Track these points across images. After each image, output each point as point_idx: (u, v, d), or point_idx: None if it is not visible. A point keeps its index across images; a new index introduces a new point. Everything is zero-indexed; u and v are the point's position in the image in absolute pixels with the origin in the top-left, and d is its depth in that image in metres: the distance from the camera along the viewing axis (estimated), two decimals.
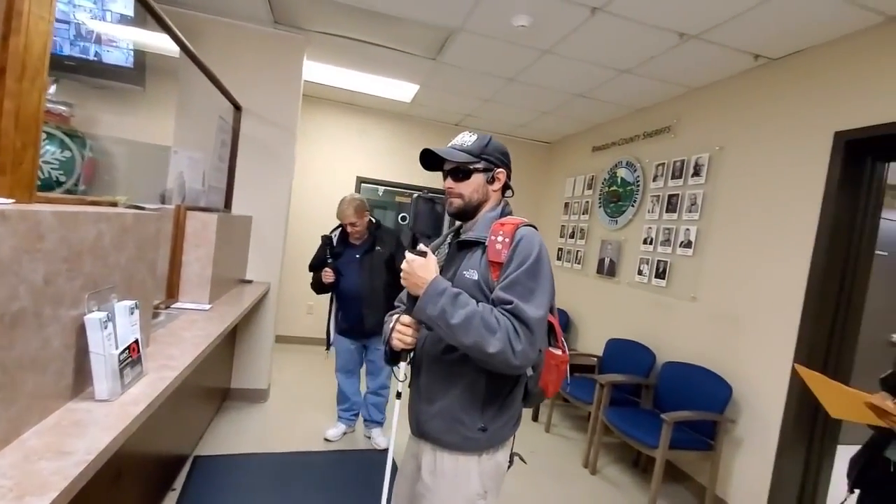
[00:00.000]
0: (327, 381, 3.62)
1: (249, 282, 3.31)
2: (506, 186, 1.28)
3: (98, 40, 2.65)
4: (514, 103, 4.25)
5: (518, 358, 1.04)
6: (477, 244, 1.20)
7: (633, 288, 3.73)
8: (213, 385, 2.99)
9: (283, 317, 4.79)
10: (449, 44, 3.13)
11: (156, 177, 2.80)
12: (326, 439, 2.98)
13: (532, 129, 5.06)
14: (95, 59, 2.63)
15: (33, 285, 0.93)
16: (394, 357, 1.24)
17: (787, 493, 2.43)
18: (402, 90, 4.31)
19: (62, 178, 2.19)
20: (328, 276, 2.71)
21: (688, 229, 3.21)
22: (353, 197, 2.73)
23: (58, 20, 2.29)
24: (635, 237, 3.76)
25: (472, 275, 1.17)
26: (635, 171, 3.86)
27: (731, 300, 2.83)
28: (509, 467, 1.27)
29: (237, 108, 3.15)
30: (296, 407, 3.45)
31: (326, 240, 2.85)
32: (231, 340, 3.36)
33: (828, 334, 2.38)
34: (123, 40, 2.67)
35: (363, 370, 3.03)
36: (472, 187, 1.23)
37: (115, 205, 1.58)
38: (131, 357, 1.28)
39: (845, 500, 1.63)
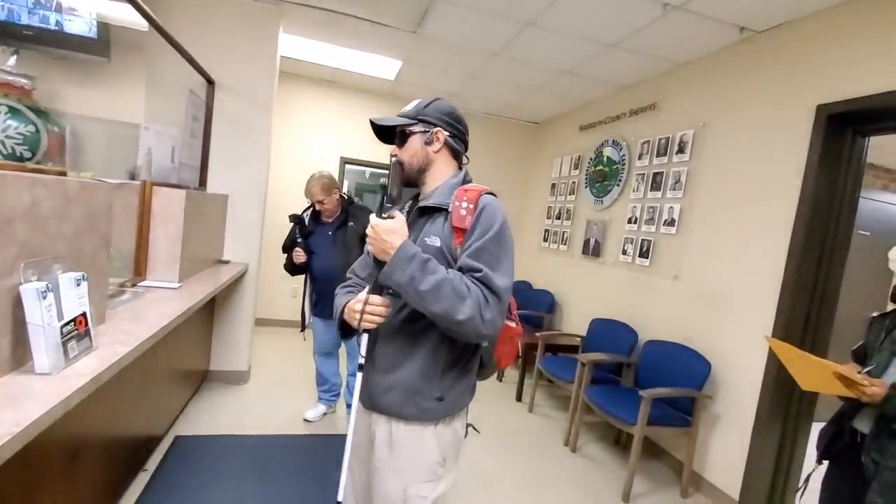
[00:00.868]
0: (309, 364, 3.59)
1: (227, 262, 3.24)
2: (456, 151, 1.23)
3: (59, 9, 2.53)
4: (501, 80, 4.16)
5: (487, 326, 1.02)
6: (439, 210, 1.16)
7: (617, 268, 3.71)
8: (190, 367, 2.94)
9: (266, 299, 4.73)
10: (429, 15, 3.03)
11: (124, 153, 2.71)
12: (306, 420, 2.96)
13: (520, 108, 4.97)
14: (56, 28, 2.52)
15: None
16: (348, 331, 1.19)
17: (763, 468, 2.45)
18: (385, 67, 4.20)
19: (26, 154, 2.11)
20: (299, 255, 2.65)
21: (671, 207, 3.18)
22: (321, 174, 2.66)
23: None
24: (620, 217, 3.73)
25: (435, 241, 1.12)
26: (621, 149, 3.80)
27: (712, 278, 2.82)
28: (466, 435, 1.25)
29: (210, 82, 3.05)
30: (276, 389, 3.42)
31: (296, 219, 2.78)
32: (209, 322, 3.31)
33: (805, 311, 2.37)
34: (86, 9, 2.56)
35: (342, 351, 2.99)
36: (410, 152, 1.20)
37: (63, 175, 1.50)
38: (77, 330, 1.23)
39: (813, 471, 1.63)
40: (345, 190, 3.88)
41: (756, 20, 2.55)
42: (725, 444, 2.60)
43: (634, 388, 2.89)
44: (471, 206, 1.10)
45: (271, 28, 3.24)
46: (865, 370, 1.48)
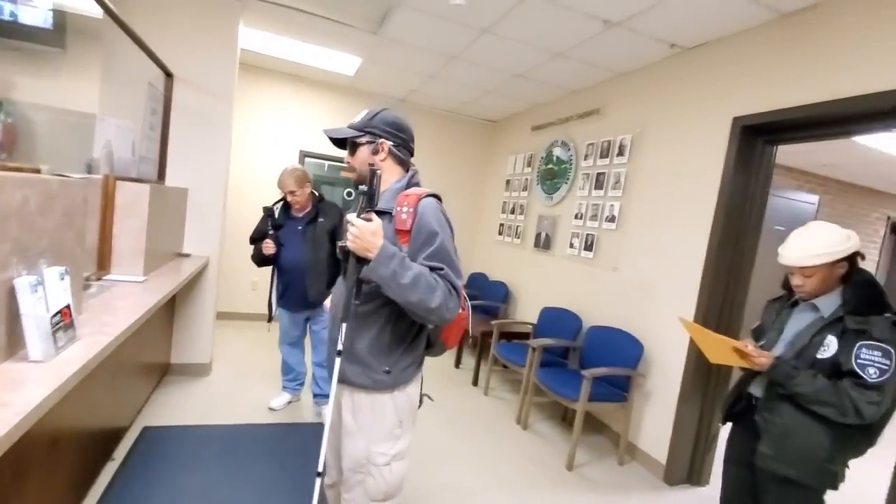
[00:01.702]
0: (272, 355, 3.65)
1: (187, 255, 3.25)
2: (400, 158, 1.39)
3: None
4: (459, 80, 4.33)
5: (450, 312, 1.24)
6: (384, 214, 1.32)
7: (565, 260, 4.00)
8: (151, 360, 2.96)
9: (226, 293, 4.71)
10: (389, 18, 3.16)
11: (80, 145, 2.67)
12: (271, 408, 3.05)
13: (477, 106, 5.17)
14: (11, 19, 2.45)
15: None
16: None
17: (686, 434, 2.80)
18: (344, 63, 4.27)
19: None
20: (268, 247, 2.73)
21: (612, 205, 3.49)
22: (295, 167, 2.76)
23: None
24: (568, 213, 4.02)
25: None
26: (569, 150, 4.09)
27: (646, 269, 3.14)
28: (420, 405, 1.47)
29: (168, 74, 3.04)
30: (240, 380, 3.47)
31: (268, 211, 2.85)
32: (170, 316, 3.31)
33: (721, 297, 2.72)
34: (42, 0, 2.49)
35: (307, 341, 3.10)
36: (359, 160, 1.37)
37: (38, 172, 1.54)
38: (63, 321, 1.31)
39: (719, 430, 1.93)
40: None
41: (684, 37, 2.86)
42: (655, 416, 2.94)
43: (579, 370, 3.19)
44: (411, 209, 1.28)
45: (231, 21, 3.26)
46: (759, 344, 1.79)
